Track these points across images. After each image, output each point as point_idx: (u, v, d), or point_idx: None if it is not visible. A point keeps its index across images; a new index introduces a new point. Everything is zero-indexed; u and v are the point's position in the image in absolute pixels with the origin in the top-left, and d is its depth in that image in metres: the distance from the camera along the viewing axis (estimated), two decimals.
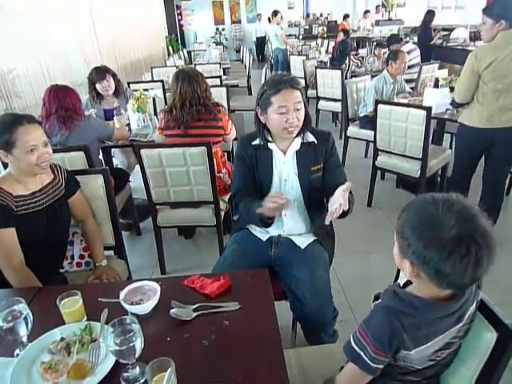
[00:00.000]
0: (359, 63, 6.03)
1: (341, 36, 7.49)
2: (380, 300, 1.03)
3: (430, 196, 0.90)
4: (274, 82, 1.69)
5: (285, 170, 1.83)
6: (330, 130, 1.89)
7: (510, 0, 2.55)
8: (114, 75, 3.60)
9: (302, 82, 6.40)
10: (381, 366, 1.00)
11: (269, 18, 10.27)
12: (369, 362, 0.98)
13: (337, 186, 1.76)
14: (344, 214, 1.63)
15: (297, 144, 1.81)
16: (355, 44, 10.67)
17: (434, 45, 7.42)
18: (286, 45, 9.86)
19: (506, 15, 2.47)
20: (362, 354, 0.99)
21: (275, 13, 9.68)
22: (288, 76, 1.72)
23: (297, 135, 1.79)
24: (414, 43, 6.18)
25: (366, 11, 12.70)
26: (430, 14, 7.41)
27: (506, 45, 2.49)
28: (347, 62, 5.90)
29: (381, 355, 0.97)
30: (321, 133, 1.86)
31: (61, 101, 2.69)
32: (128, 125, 3.39)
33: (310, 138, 1.82)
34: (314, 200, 1.84)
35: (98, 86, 3.49)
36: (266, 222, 1.72)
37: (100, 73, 3.49)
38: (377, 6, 13.49)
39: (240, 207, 1.85)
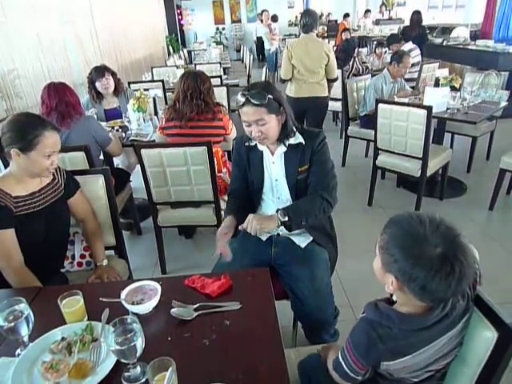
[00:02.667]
0: (361, 70, 5.89)
1: (345, 35, 7.43)
2: (364, 313, 1.06)
3: (416, 214, 0.93)
4: (240, 95, 1.67)
5: (274, 170, 1.84)
6: (320, 130, 1.87)
7: (306, 12, 3.95)
8: (114, 74, 3.60)
9: None
10: (359, 378, 1.05)
11: (261, 19, 10.23)
12: (348, 370, 1.05)
13: (317, 181, 1.78)
14: (288, 226, 1.69)
15: (283, 147, 1.81)
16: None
17: (428, 44, 7.42)
18: (272, 45, 9.78)
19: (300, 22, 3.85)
20: (343, 362, 1.06)
21: (261, 12, 9.58)
22: (253, 91, 1.65)
23: (279, 142, 1.79)
24: (413, 43, 6.16)
25: (367, 10, 12.67)
26: (419, 14, 7.40)
27: (302, 43, 3.86)
28: (351, 63, 5.82)
29: (358, 365, 1.02)
30: (310, 133, 1.83)
31: (60, 95, 2.68)
32: (122, 138, 3.29)
33: (299, 139, 1.80)
34: None
35: (97, 84, 3.50)
36: None
37: (99, 71, 3.50)
38: (380, 6, 13.48)
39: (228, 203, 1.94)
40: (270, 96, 1.66)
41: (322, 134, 1.84)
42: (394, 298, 1.04)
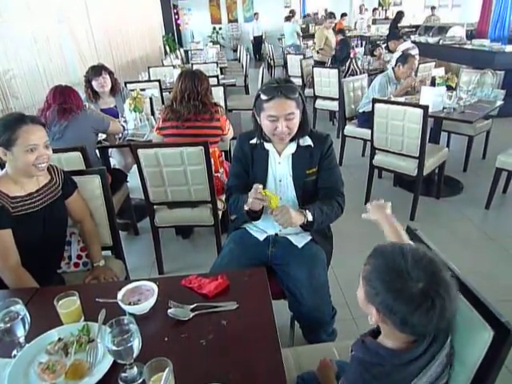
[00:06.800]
0: (358, 71, 5.85)
1: (339, 36, 7.50)
2: (353, 351, 1.05)
3: (399, 247, 0.92)
4: (268, 88, 1.65)
5: (280, 170, 1.83)
6: (328, 133, 1.87)
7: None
8: (111, 73, 3.60)
9: (299, 80, 6.40)
10: None
11: (287, 17, 10.71)
12: None
13: (329, 187, 1.79)
14: (307, 226, 1.69)
15: (292, 148, 1.80)
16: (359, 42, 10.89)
17: (424, 43, 7.53)
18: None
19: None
20: None
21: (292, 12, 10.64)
22: (284, 84, 1.65)
23: (292, 140, 1.78)
24: (412, 42, 6.18)
25: (365, 8, 12.83)
26: (400, 15, 7.70)
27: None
28: (347, 64, 5.81)
29: None
30: (318, 136, 1.83)
31: (66, 97, 2.74)
32: (119, 138, 3.35)
33: (307, 141, 1.80)
34: (309, 202, 1.80)
35: (94, 82, 3.50)
36: (252, 215, 1.74)
37: (97, 70, 3.50)
38: (374, 9, 13.63)
39: (230, 201, 1.88)
40: (299, 91, 1.67)
41: (329, 138, 1.85)
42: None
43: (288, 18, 10.45)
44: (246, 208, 1.68)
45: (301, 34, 10.58)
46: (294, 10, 10.87)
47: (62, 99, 2.72)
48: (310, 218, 1.66)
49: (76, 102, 2.78)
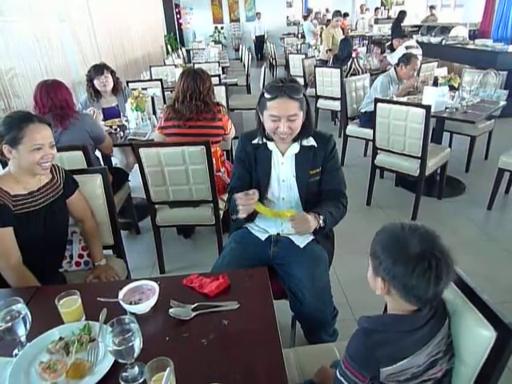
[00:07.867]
0: (360, 71, 5.82)
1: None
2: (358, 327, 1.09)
3: (399, 222, 1.02)
4: (272, 87, 1.63)
5: (283, 170, 1.82)
6: (331, 133, 1.86)
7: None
8: (113, 72, 3.60)
9: (301, 80, 6.39)
10: None
11: (304, 16, 11.11)
12: None
13: (333, 189, 1.79)
14: (319, 230, 1.68)
15: (295, 148, 1.79)
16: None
17: (427, 43, 7.54)
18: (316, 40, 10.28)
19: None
20: (343, 379, 1.05)
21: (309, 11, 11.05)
22: (289, 84, 1.63)
23: (295, 140, 1.77)
24: (416, 41, 6.17)
25: (366, 8, 12.83)
26: (402, 14, 7.80)
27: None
28: (349, 63, 5.78)
29: (359, 378, 1.02)
30: (322, 136, 1.82)
31: (54, 99, 2.61)
32: (121, 137, 3.28)
33: (311, 141, 1.79)
34: (312, 202, 1.81)
35: (95, 81, 3.49)
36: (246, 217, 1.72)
37: (98, 68, 3.49)
38: (376, 9, 13.64)
39: (231, 202, 1.85)
40: (303, 91, 1.66)
41: (333, 138, 1.84)
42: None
43: (305, 17, 10.55)
44: (241, 216, 1.65)
45: (317, 33, 10.61)
46: (310, 9, 11.02)
47: (51, 101, 2.60)
48: (322, 223, 1.66)
49: (65, 97, 2.65)
